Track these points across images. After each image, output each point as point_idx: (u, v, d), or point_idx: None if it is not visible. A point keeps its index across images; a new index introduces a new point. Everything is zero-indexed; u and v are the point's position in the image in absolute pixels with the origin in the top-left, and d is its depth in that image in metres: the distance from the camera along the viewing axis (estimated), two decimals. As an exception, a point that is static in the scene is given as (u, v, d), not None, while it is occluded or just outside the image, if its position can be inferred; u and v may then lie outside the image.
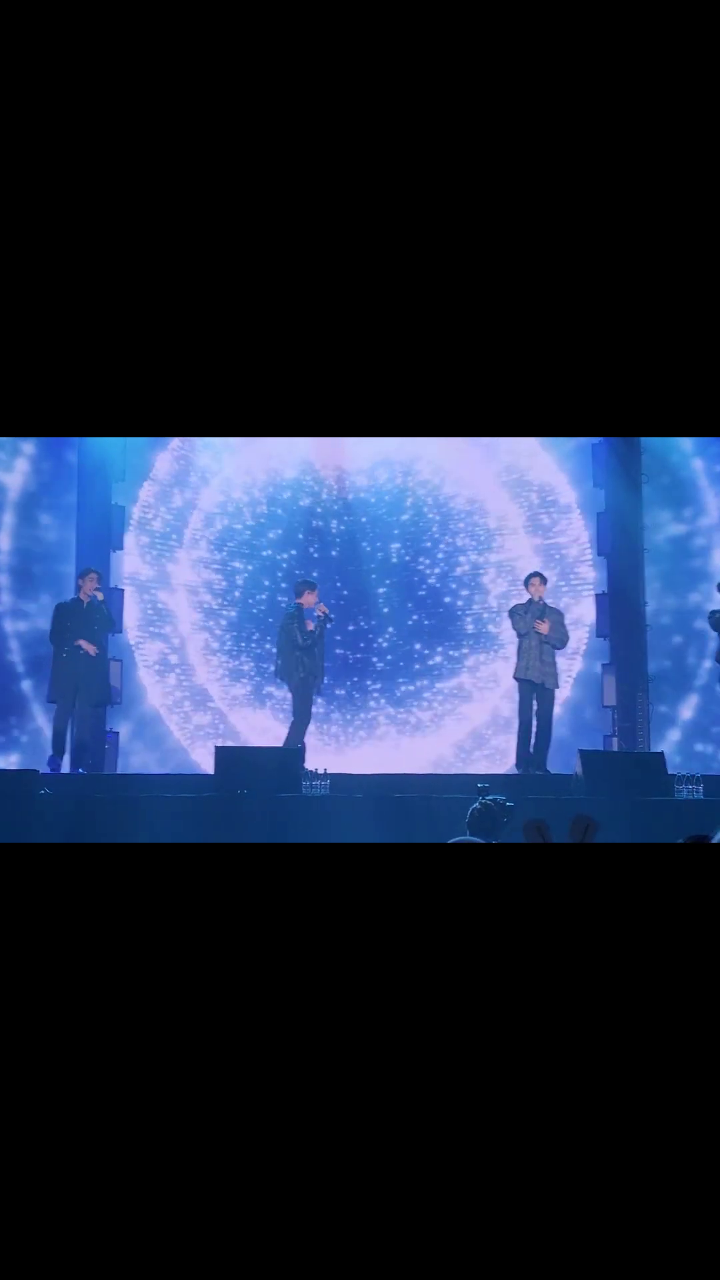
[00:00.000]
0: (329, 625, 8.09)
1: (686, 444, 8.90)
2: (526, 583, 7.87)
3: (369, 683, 9.59)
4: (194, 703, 9.51)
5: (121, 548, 9.10)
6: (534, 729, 7.71)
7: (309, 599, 7.91)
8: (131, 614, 9.21)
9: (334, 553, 9.66)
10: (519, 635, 7.74)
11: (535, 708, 7.69)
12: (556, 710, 8.04)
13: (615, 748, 8.60)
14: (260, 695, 9.46)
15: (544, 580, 7.89)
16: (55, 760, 7.62)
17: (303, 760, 7.33)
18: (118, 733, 8.82)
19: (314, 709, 8.13)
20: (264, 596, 9.54)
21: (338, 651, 9.30)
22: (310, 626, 7.80)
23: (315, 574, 9.00)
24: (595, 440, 9.00)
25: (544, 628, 7.61)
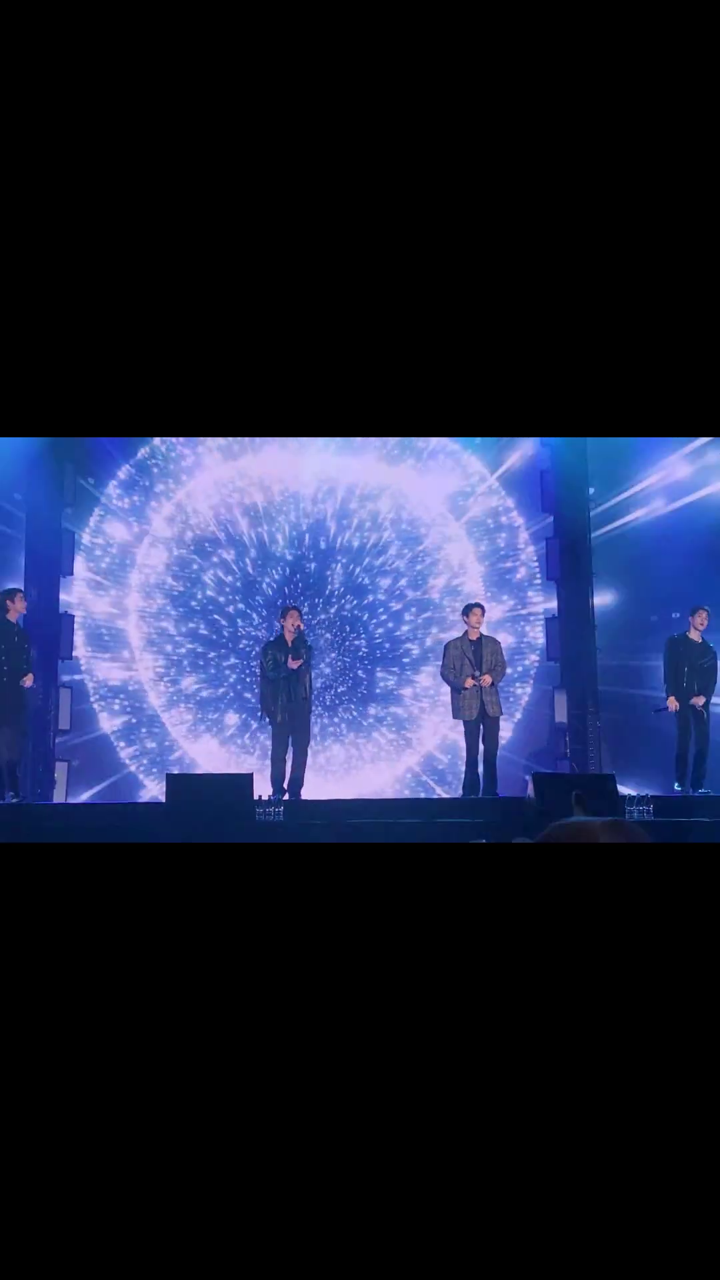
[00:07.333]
0: (307, 654, 7.54)
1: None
2: (466, 613, 7.71)
3: (319, 710, 9.56)
4: (145, 731, 9.41)
5: (71, 573, 9.02)
6: (480, 753, 7.65)
7: (288, 622, 7.55)
8: (81, 641, 9.11)
9: (294, 576, 9.63)
10: (452, 687, 7.59)
11: (482, 733, 7.65)
12: (505, 735, 8.04)
13: (567, 769, 8.63)
14: (215, 724, 9.38)
15: (484, 611, 7.75)
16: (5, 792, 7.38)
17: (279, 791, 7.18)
18: (67, 762, 8.69)
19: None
20: (220, 621, 9.49)
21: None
22: (294, 664, 7.35)
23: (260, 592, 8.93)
24: (544, 466, 9.10)
25: (487, 680, 7.49)
